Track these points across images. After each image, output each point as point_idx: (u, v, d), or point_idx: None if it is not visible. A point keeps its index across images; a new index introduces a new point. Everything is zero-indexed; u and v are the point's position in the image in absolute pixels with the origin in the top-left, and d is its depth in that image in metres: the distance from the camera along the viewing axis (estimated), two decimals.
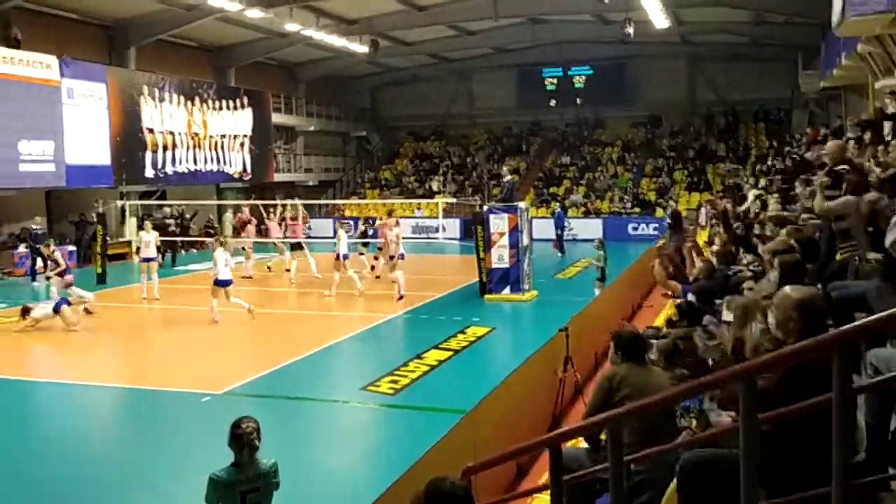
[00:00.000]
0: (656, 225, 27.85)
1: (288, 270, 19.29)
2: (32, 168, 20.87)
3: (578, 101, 36.27)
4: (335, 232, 18.21)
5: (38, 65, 21.01)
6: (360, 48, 28.96)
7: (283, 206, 20.56)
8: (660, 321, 10.47)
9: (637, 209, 30.63)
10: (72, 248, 21.51)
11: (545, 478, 6.36)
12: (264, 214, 21.55)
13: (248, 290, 17.75)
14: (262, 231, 21.11)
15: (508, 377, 7.05)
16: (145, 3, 23.51)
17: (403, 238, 17.80)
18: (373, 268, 19.61)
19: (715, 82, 34.76)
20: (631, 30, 24.61)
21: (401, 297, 15.69)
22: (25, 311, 13.37)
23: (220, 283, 13.90)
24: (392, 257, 16.16)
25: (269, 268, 20.95)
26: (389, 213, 18.97)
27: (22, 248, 20.52)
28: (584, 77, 36.10)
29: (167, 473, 7.10)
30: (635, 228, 29.13)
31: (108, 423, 9.37)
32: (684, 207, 27.54)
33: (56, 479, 7.02)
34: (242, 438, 4.21)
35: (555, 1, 26.80)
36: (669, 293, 9.54)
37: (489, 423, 6.32)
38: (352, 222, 23.24)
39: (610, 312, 12.42)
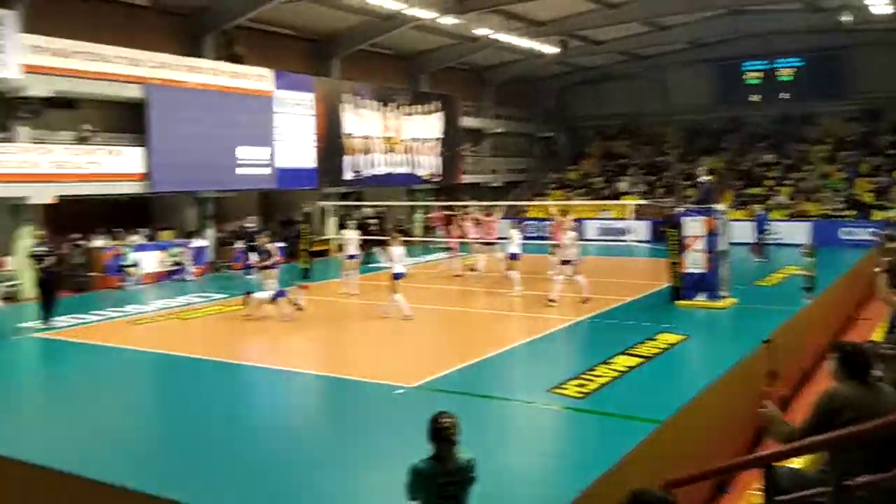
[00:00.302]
0: (873, 229, 25.28)
1: (473, 270, 19.69)
2: (249, 171, 22.96)
3: (784, 95, 33.82)
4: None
5: (256, 77, 23.09)
6: (550, 49, 28.93)
7: (476, 207, 21.02)
8: (877, 335, 9.50)
9: (851, 212, 27.99)
10: (281, 244, 23.31)
11: (748, 496, 6.02)
12: (459, 214, 22.09)
13: (437, 287, 18.34)
14: (458, 230, 21.47)
15: (707, 388, 6.70)
16: (349, 17, 25.02)
17: (589, 240, 17.66)
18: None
19: None
20: (849, 17, 22.55)
21: (586, 300, 15.48)
22: (247, 295, 14.88)
23: (397, 277, 14.44)
24: (568, 262, 15.94)
25: (471, 269, 20.78)
26: (563, 214, 18.62)
27: (239, 245, 22.56)
28: (792, 69, 33.65)
29: (365, 462, 7.49)
30: (848, 233, 26.63)
31: (308, 407, 10.04)
32: None
33: (266, 454, 7.65)
34: (442, 433, 4.37)
35: None
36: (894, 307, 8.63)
37: (686, 435, 6.05)
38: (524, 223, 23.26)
39: (819, 324, 11.45)
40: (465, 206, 21.91)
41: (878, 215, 26.11)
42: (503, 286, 17.91)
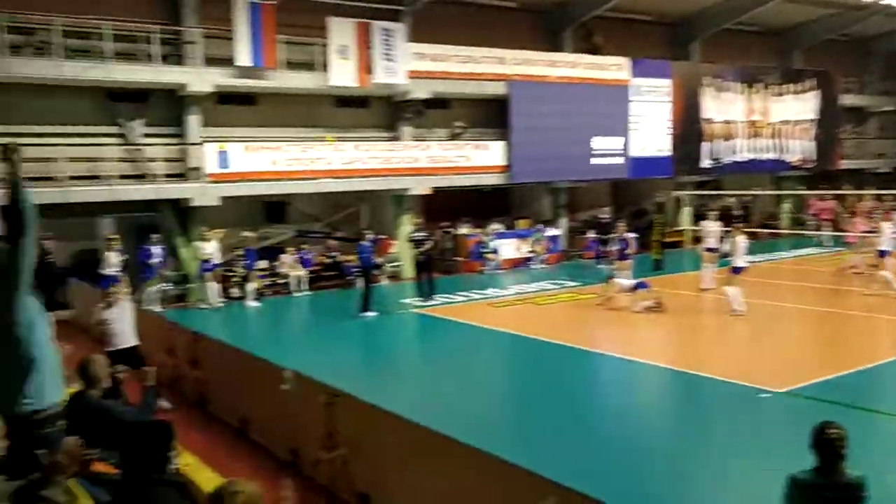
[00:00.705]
0: None
1: (853, 268, 17.58)
2: (602, 161, 23.23)
3: None
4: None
5: (613, 67, 23.25)
6: None
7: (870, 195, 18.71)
8: None
9: None
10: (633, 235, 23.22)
11: None
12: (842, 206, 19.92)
13: (808, 286, 16.76)
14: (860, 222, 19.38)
15: None
16: None
17: None
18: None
19: None
20: None
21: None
22: (609, 281, 15.26)
23: (736, 271, 13.88)
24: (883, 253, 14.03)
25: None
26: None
27: (591, 234, 22.96)
28: None
29: (726, 464, 7.15)
30: None
31: (664, 401, 9.87)
32: None
33: (631, 442, 7.71)
34: (831, 444, 3.97)
35: None
36: None
37: None
38: None
39: None
40: (860, 195, 19.57)
41: None
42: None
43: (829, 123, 28.57)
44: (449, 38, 20.75)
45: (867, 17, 26.62)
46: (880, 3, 23.91)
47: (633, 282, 14.90)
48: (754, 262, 20.52)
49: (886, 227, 15.54)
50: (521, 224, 23.15)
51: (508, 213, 24.14)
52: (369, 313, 14.88)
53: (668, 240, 22.07)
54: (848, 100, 29.81)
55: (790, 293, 16.42)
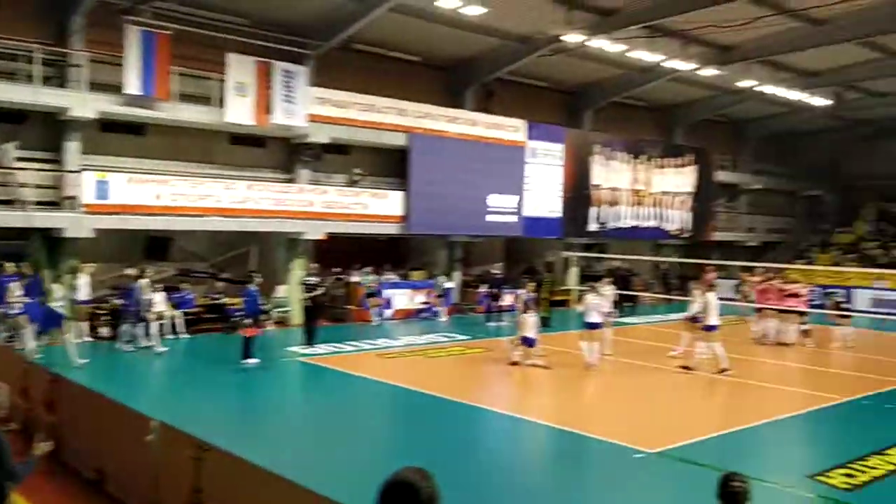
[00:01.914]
0: None
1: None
2: (497, 218, 23.70)
3: None
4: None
5: (510, 128, 23.95)
6: (821, 101, 26.76)
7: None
8: None
9: None
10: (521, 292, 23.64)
11: None
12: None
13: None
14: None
15: None
16: (604, 69, 25.12)
17: (859, 311, 15.80)
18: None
19: None
20: None
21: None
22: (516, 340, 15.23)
23: (710, 329, 14.71)
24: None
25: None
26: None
27: (483, 289, 23.21)
28: None
29: None
30: None
31: (538, 459, 9.88)
32: None
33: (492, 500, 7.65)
34: (735, 497, 4.15)
35: None
36: None
37: None
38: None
39: None
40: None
41: None
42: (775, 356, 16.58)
43: (704, 197, 30.39)
44: (352, 85, 20.83)
45: (741, 102, 28.75)
46: (754, 89, 25.85)
47: (530, 335, 15.01)
48: (638, 324, 21.43)
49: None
50: (416, 275, 23.18)
51: (404, 264, 24.13)
52: (251, 360, 14.30)
53: (555, 298, 22.62)
54: (722, 176, 31.88)
55: (663, 355, 17.10)
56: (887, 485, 8.38)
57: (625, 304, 23.24)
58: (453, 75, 24.47)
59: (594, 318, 14.85)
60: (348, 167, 22.07)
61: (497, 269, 23.09)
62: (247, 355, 14.31)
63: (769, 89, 25.60)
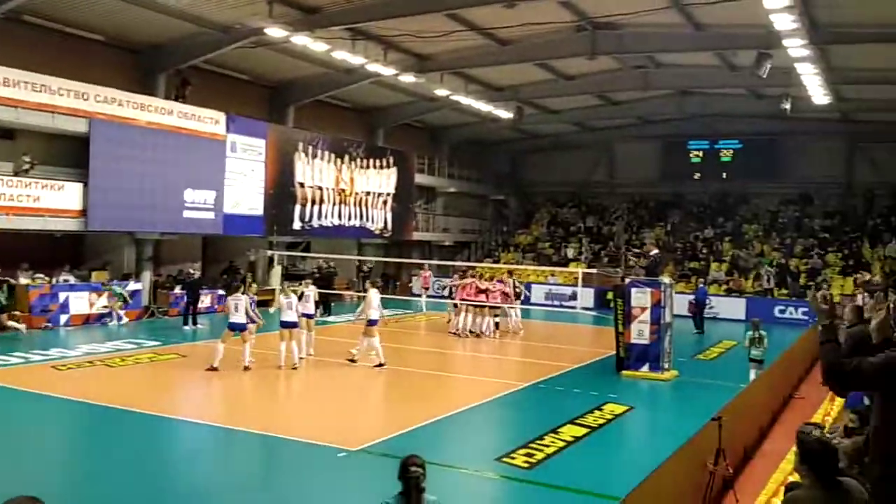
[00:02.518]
0: (805, 308, 26.07)
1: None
2: (194, 215, 22.38)
3: (724, 174, 35.11)
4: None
5: (208, 120, 22.74)
6: (505, 114, 29.45)
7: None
8: (818, 417, 9.57)
9: (785, 291, 28.83)
10: (222, 292, 22.63)
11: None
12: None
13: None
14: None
15: (661, 465, 6.55)
16: (308, 67, 25.01)
17: (535, 305, 17.68)
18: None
19: (878, 163, 32.64)
20: (788, 105, 23.68)
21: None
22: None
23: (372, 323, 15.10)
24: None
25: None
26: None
27: (178, 290, 21.80)
28: (731, 151, 35.01)
29: None
30: (782, 311, 27.35)
31: (253, 468, 9.47)
32: (838, 293, 25.67)
33: None
34: (411, 481, 4.80)
35: (708, 75, 26.20)
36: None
37: None
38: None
39: (762, 403, 11.54)
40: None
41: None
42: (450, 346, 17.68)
43: (404, 198, 31.82)
44: (20, 62, 18.22)
45: (438, 109, 30.59)
46: (449, 98, 27.63)
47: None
48: (340, 322, 21.67)
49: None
50: (98, 276, 20.99)
51: (83, 264, 21.76)
52: None
53: (259, 299, 21.91)
54: (421, 179, 33.65)
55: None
56: (559, 459, 9.39)
57: (329, 303, 23.43)
58: (144, 59, 22.61)
59: (289, 316, 14.71)
60: (16, 154, 19.30)
61: (194, 269, 21.84)
62: None
63: (461, 99, 27.54)
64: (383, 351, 15.18)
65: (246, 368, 14.19)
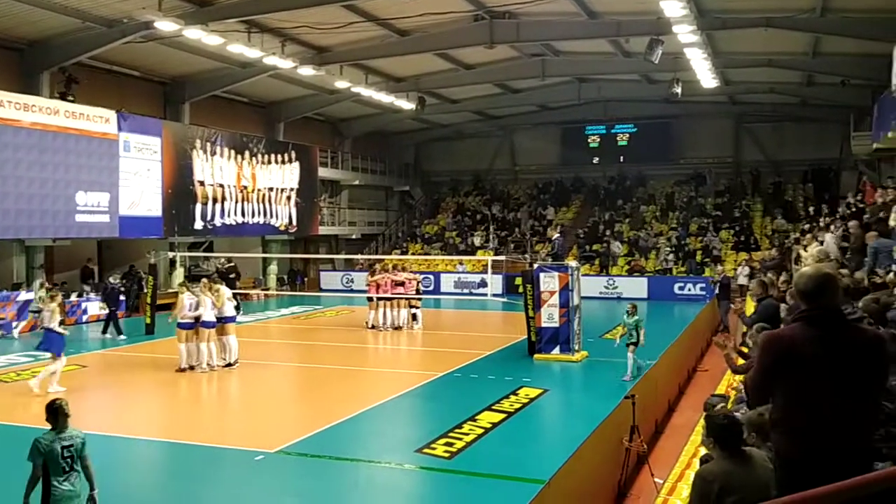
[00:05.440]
0: (703, 285, 27.37)
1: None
2: (88, 219, 21.34)
3: (621, 158, 36.30)
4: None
5: (98, 119, 21.67)
6: (407, 105, 29.42)
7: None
8: (721, 388, 10.09)
9: (683, 268, 30.15)
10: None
11: None
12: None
13: (286, 343, 17.74)
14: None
15: (581, 445, 6.75)
16: (203, 61, 24.19)
17: (445, 293, 17.77)
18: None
19: (762, 142, 34.56)
20: (679, 89, 24.66)
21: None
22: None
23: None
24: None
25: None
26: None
27: (74, 298, 20.75)
28: (627, 135, 36.17)
29: None
30: (681, 288, 28.61)
31: (166, 478, 9.17)
32: (731, 268, 27.07)
33: None
34: (58, 410, 5.73)
35: (603, 62, 26.97)
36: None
37: (561, 495, 6.03)
38: None
39: (667, 378, 12.05)
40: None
41: (709, 272, 28.25)
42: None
43: (308, 193, 31.35)
44: None
45: (339, 102, 30.22)
46: (350, 90, 27.34)
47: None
48: (248, 322, 21.19)
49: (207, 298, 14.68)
50: None
51: None
52: None
53: (159, 302, 21.13)
54: (325, 173, 33.23)
55: (280, 351, 17.22)
56: (479, 446, 9.52)
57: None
58: (25, 57, 21.32)
59: (209, 316, 14.33)
60: None
61: (114, 278, 20.52)
62: None
63: (363, 91, 27.31)
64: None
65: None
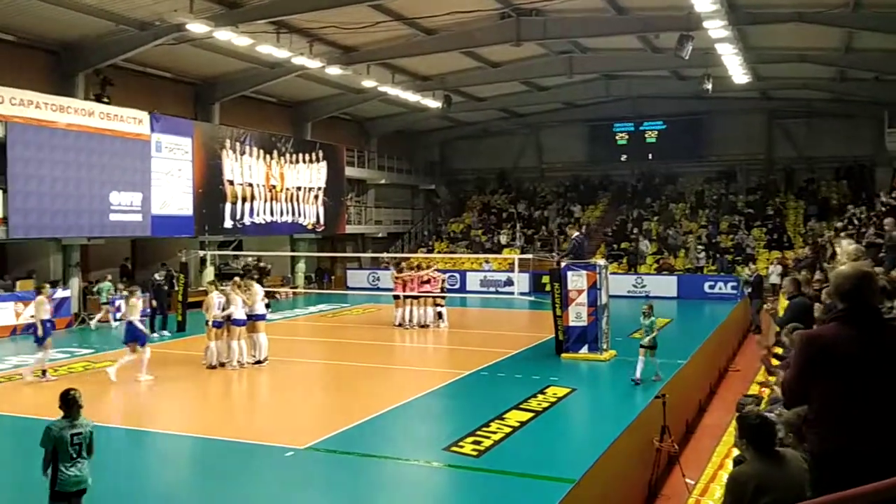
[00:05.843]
0: (734, 283, 27.02)
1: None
2: (121, 218, 21.69)
3: (650, 155, 35.97)
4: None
5: (132, 120, 22.02)
6: (433, 103, 29.46)
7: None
8: (754, 389, 9.97)
9: (714, 267, 29.80)
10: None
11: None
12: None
13: (320, 340, 17.86)
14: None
15: (610, 445, 6.73)
16: (233, 62, 24.46)
17: (470, 292, 17.77)
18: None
19: (794, 138, 34.02)
20: (709, 85, 24.39)
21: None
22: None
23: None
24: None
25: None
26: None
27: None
28: (656, 132, 35.84)
29: None
30: (711, 287, 28.29)
31: (199, 473, 9.32)
32: (763, 266, 26.71)
33: None
34: (71, 401, 6.00)
35: (631, 58, 26.77)
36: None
37: (591, 494, 6.02)
38: None
39: (698, 377, 11.94)
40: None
41: (740, 271, 27.90)
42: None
43: (335, 192, 31.53)
44: None
45: (365, 101, 30.36)
46: (376, 89, 27.46)
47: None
48: (276, 319, 21.38)
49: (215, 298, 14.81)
50: (24, 285, 20.12)
51: (7, 273, 20.88)
52: None
53: (190, 300, 21.41)
54: (351, 172, 33.39)
55: (308, 349, 17.35)
56: (507, 445, 9.51)
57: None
58: (61, 60, 21.73)
59: (239, 314, 14.41)
60: None
61: (160, 275, 20.56)
62: None
63: (389, 90, 27.40)
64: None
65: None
